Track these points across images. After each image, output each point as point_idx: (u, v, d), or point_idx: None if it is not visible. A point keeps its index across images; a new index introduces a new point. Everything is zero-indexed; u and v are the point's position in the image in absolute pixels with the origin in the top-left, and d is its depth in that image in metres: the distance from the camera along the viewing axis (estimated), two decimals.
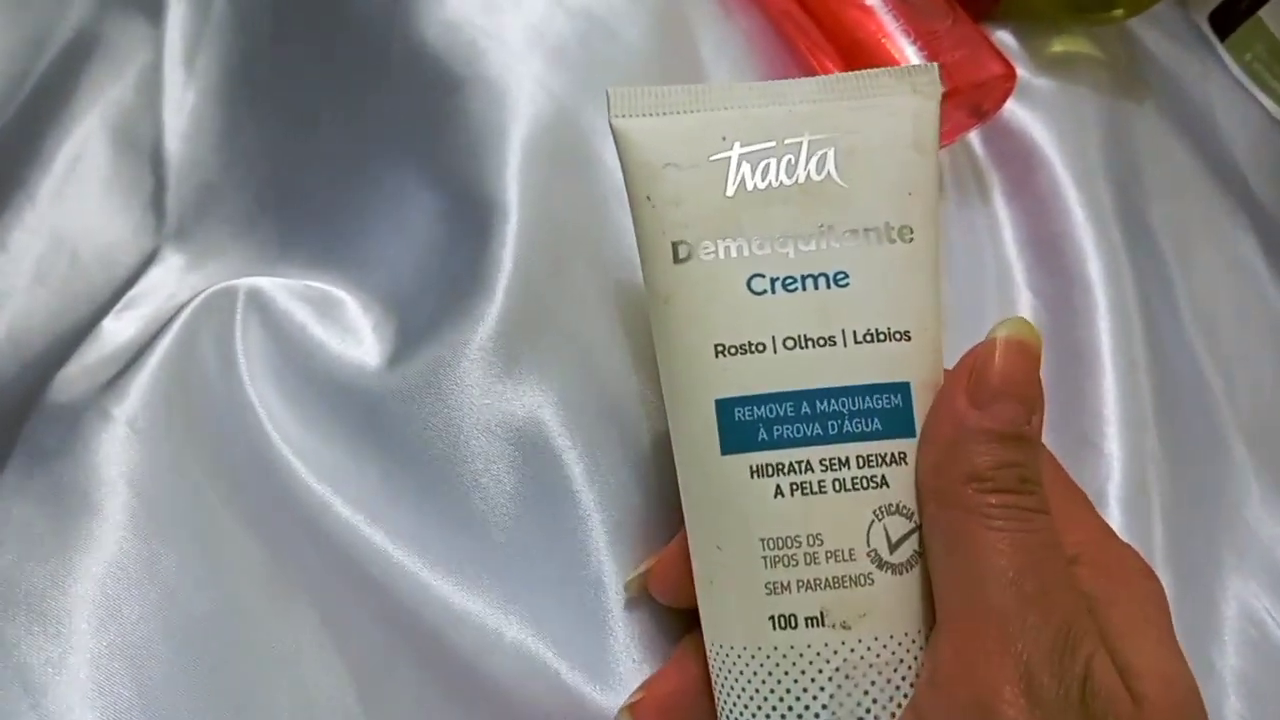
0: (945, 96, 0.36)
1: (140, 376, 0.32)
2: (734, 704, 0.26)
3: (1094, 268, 0.40)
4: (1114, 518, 0.36)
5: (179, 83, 0.40)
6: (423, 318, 0.33)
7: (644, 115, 0.28)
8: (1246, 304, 0.43)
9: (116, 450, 0.31)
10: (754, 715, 0.26)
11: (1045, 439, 0.37)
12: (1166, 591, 0.33)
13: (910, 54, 0.38)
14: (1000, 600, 0.23)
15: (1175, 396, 0.39)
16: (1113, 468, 0.37)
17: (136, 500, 0.30)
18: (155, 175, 0.39)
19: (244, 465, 0.32)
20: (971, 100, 0.39)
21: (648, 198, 0.27)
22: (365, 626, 0.31)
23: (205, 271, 0.37)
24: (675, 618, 0.31)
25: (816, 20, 0.39)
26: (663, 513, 0.32)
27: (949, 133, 0.40)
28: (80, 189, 0.38)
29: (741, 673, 0.26)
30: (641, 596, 0.31)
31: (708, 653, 0.27)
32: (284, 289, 0.35)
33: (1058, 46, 0.44)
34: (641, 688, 0.30)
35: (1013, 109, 0.42)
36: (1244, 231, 0.45)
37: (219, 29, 0.40)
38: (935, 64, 0.28)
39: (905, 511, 0.25)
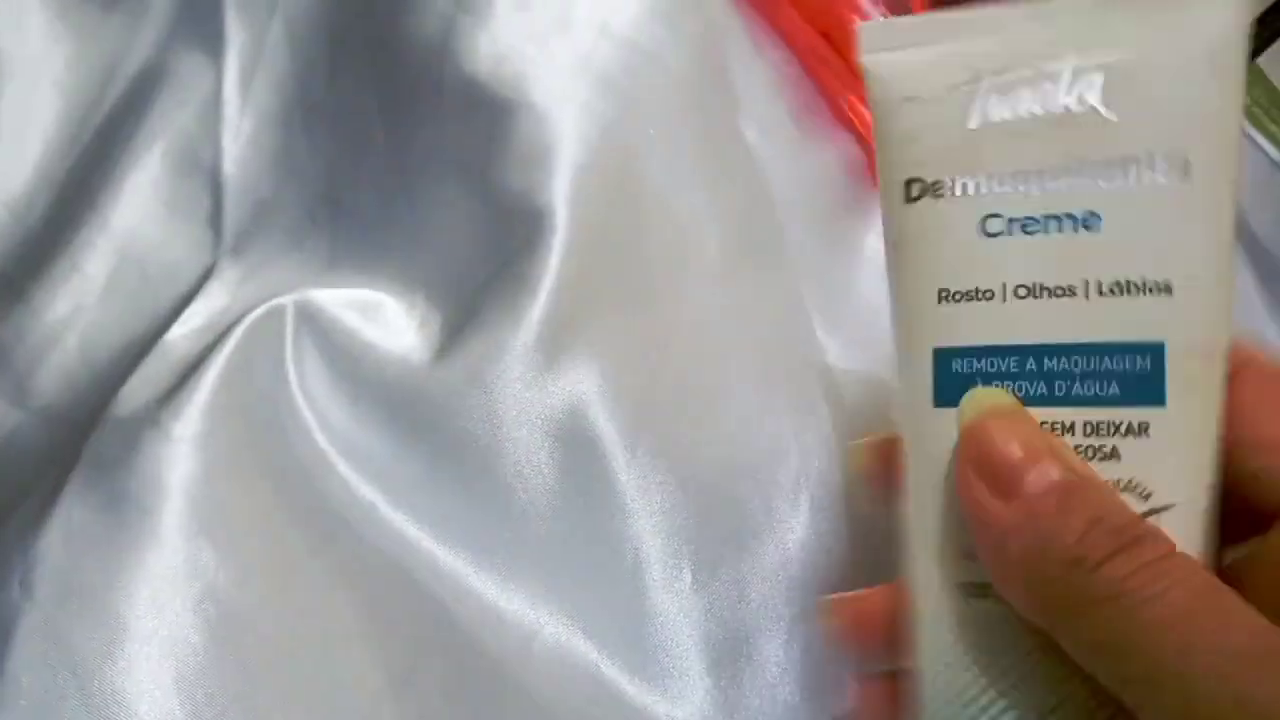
0: None
1: (197, 393, 0.34)
2: (930, 665, 0.24)
3: None
4: None
5: (236, 109, 0.42)
6: (469, 315, 0.35)
7: (893, 49, 0.25)
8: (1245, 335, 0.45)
9: (172, 461, 0.32)
10: (949, 682, 0.24)
11: None
12: None
13: None
14: (1207, 688, 0.18)
15: None
16: None
17: (186, 505, 0.32)
18: (214, 196, 0.41)
19: (293, 471, 0.34)
20: None
21: (886, 135, 0.25)
22: (403, 623, 0.32)
23: (258, 282, 0.39)
24: (715, 613, 0.33)
25: (843, 57, 0.41)
26: (700, 501, 0.33)
27: None
28: (147, 212, 0.40)
29: (937, 637, 0.24)
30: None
31: (910, 610, 0.25)
32: (332, 298, 0.37)
33: None
34: (850, 596, 0.28)
35: None
36: (1243, 268, 0.46)
37: (274, 58, 0.42)
38: None
39: (1138, 490, 0.22)
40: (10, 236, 0.39)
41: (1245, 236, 0.47)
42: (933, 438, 0.24)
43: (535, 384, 0.33)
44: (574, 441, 0.33)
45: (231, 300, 0.38)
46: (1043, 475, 0.21)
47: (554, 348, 0.34)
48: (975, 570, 0.23)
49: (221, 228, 0.40)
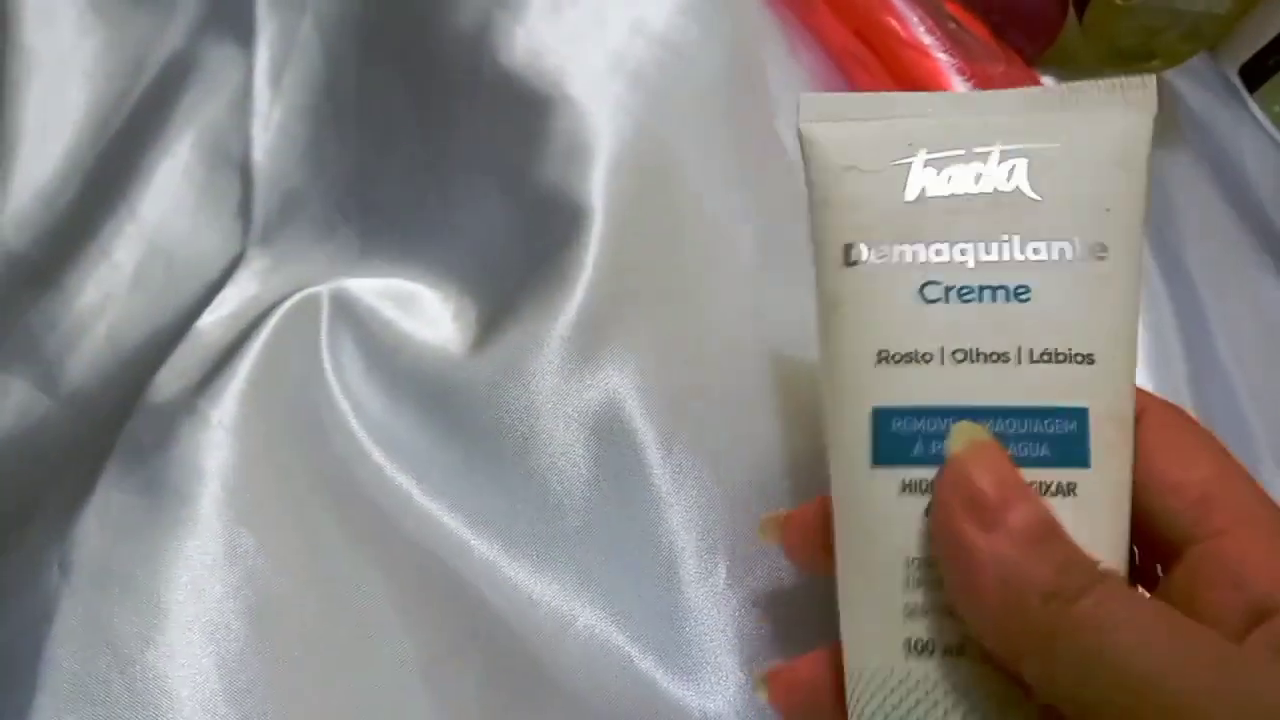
0: None
1: (232, 379, 0.34)
2: None
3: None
4: None
5: (266, 100, 0.42)
6: (505, 307, 0.35)
7: (831, 121, 0.27)
8: (1272, 342, 0.45)
9: (209, 448, 0.32)
10: None
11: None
12: None
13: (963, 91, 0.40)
14: (1189, 696, 0.20)
15: (1214, 425, 0.40)
16: None
17: (224, 491, 0.32)
18: (243, 186, 0.41)
19: (329, 459, 0.34)
20: None
21: (825, 200, 0.26)
22: (437, 611, 0.32)
23: (287, 273, 0.39)
24: (749, 609, 0.33)
25: (878, 58, 0.41)
26: (736, 498, 0.33)
27: None
28: (176, 201, 0.40)
29: (873, 697, 0.24)
30: (765, 549, 0.32)
31: (845, 672, 0.25)
32: (368, 288, 0.37)
33: None
34: (782, 666, 0.29)
35: None
36: (1269, 274, 0.46)
37: (305, 50, 0.42)
38: (1152, 76, 0.26)
39: None
40: (40, 225, 0.40)
41: (1270, 239, 0.47)
42: (870, 497, 0.25)
43: (572, 377, 0.33)
44: (610, 435, 0.33)
45: (261, 289, 0.38)
46: (1024, 513, 0.22)
47: (591, 341, 0.34)
48: (917, 627, 0.24)
49: (251, 217, 0.40)
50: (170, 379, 0.35)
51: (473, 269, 0.37)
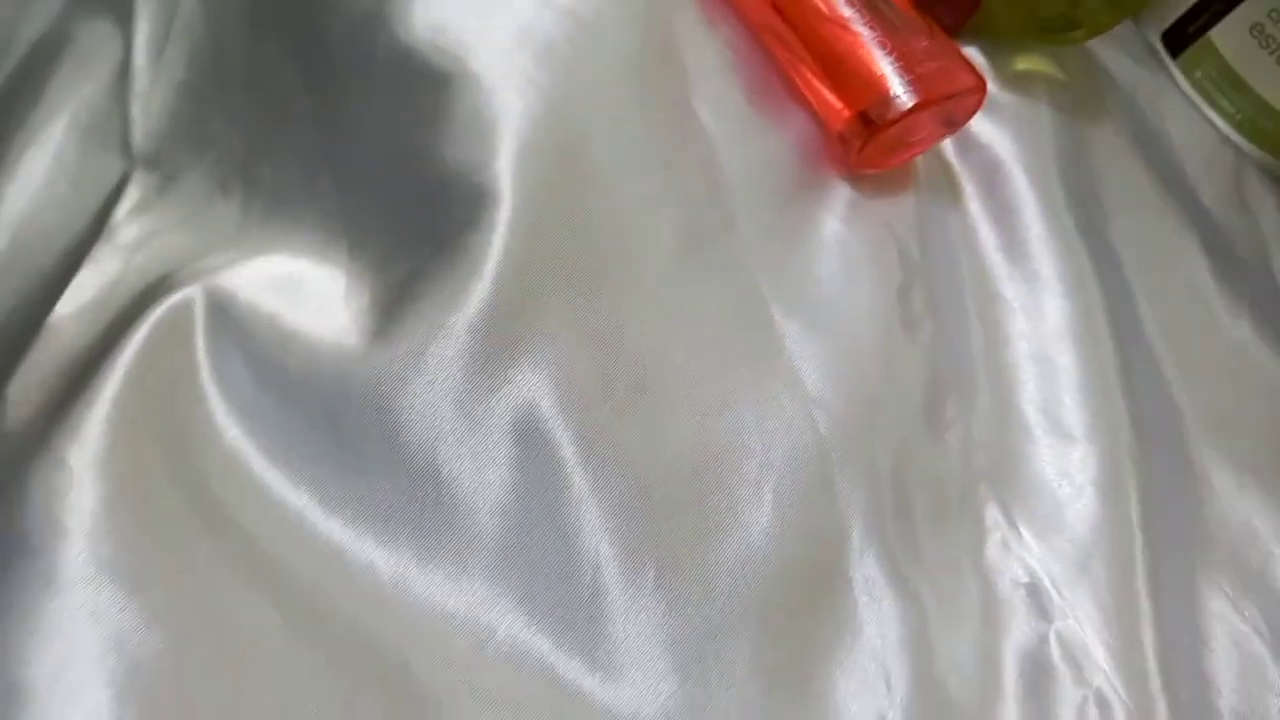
0: (918, 107, 0.38)
1: (93, 409, 0.29)
2: None
3: (1060, 274, 0.41)
4: (1094, 507, 0.38)
5: (147, 80, 0.39)
6: (403, 297, 0.32)
7: None
8: (1194, 313, 0.45)
9: (68, 496, 0.28)
10: None
11: (1030, 432, 0.39)
12: (1147, 579, 0.33)
13: (886, 67, 0.38)
14: None
15: (1140, 393, 0.40)
16: (1090, 459, 0.38)
17: (85, 545, 0.28)
18: (121, 167, 0.37)
19: (207, 487, 0.31)
20: (944, 112, 0.40)
21: None
22: (338, 640, 0.30)
23: (153, 250, 0.35)
24: (679, 610, 0.31)
25: (797, 33, 0.40)
26: (661, 496, 0.32)
27: (923, 141, 0.41)
28: (47, 193, 0.36)
29: None
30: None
31: None
32: (245, 279, 0.33)
33: (1020, 65, 0.45)
34: None
35: (980, 123, 0.43)
36: (1192, 243, 0.47)
37: (188, 24, 0.39)
38: None
39: None
40: None
41: (1193, 208, 0.47)
42: None
43: (481, 373, 0.31)
44: (524, 433, 0.31)
45: (124, 268, 0.34)
46: None
47: (502, 333, 0.31)
48: None
49: (123, 195, 0.36)
50: (22, 393, 0.31)
51: (366, 251, 0.34)
